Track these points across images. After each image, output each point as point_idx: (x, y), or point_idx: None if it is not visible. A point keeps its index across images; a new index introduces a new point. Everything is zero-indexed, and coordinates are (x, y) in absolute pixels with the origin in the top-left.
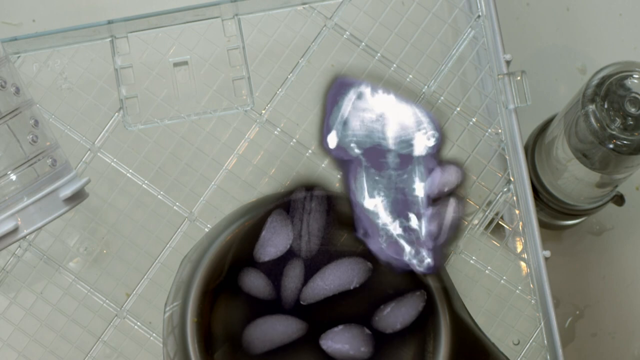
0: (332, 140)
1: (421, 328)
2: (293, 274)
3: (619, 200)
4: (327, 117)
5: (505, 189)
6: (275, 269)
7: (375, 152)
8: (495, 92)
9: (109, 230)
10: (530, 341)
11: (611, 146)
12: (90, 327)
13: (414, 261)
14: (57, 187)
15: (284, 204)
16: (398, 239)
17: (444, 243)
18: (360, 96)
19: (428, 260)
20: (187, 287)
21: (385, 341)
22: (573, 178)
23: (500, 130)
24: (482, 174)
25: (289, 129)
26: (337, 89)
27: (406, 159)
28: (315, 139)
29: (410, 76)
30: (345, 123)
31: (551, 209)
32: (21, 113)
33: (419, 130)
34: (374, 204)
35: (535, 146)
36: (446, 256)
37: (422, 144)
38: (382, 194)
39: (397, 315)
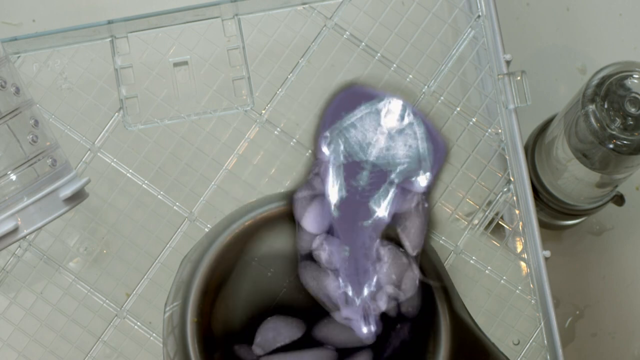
0: (326, 141)
1: (425, 313)
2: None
3: (619, 200)
4: (330, 120)
5: (505, 189)
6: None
7: (358, 165)
8: (495, 92)
9: (109, 230)
10: (530, 341)
11: (611, 146)
12: (90, 327)
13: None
14: (57, 187)
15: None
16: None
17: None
18: (379, 110)
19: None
20: (187, 287)
21: (388, 324)
22: (573, 178)
23: (500, 130)
24: (482, 174)
25: (289, 129)
26: (351, 98)
27: (382, 179)
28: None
29: (410, 76)
30: (348, 129)
31: (551, 209)
32: (21, 113)
33: (419, 163)
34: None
35: (535, 146)
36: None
37: (414, 177)
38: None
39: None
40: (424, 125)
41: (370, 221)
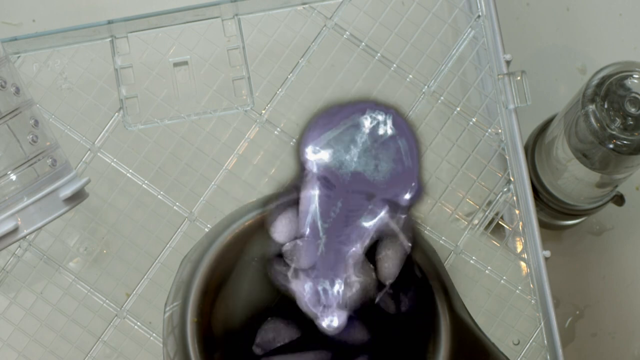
0: (312, 150)
1: (425, 313)
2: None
3: (619, 200)
4: (319, 131)
5: (505, 189)
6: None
7: (345, 177)
8: (495, 92)
9: (109, 230)
10: (530, 341)
11: (611, 146)
12: (90, 327)
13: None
14: (57, 187)
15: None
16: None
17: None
18: (366, 124)
19: (334, 319)
20: (187, 287)
21: (387, 323)
22: (573, 178)
23: (500, 130)
24: (482, 174)
25: (289, 129)
26: (330, 118)
27: (360, 194)
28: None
29: (410, 76)
30: (329, 143)
31: (551, 209)
32: (21, 113)
33: (402, 178)
34: (319, 225)
35: (535, 146)
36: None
37: (396, 190)
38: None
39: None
40: (404, 140)
41: (348, 234)
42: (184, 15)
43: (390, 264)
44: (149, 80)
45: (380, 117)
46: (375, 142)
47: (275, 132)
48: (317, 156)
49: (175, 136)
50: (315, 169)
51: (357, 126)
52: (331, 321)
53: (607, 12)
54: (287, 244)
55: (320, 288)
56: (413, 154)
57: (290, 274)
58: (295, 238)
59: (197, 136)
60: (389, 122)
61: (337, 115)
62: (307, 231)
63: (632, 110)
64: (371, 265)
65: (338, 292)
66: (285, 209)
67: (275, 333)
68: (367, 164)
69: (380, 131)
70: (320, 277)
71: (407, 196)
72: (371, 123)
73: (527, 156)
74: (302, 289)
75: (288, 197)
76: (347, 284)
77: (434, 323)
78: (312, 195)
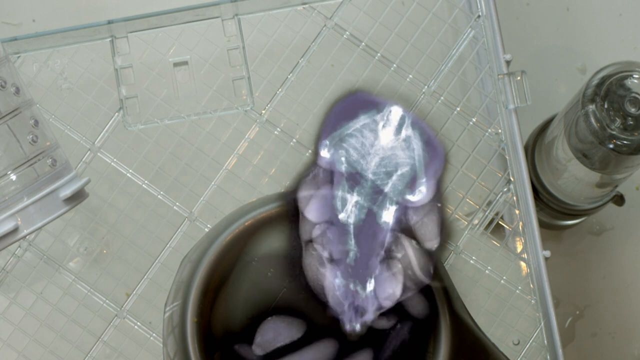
0: (326, 148)
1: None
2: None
3: (619, 200)
4: (331, 127)
5: (505, 189)
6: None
7: (357, 176)
8: (495, 92)
9: (109, 230)
10: (530, 341)
11: (611, 146)
12: (90, 327)
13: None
14: (57, 187)
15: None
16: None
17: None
18: (379, 119)
19: (356, 322)
20: (187, 287)
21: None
22: (573, 178)
23: (500, 130)
24: (482, 174)
25: (289, 129)
26: (354, 105)
27: (380, 190)
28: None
29: (410, 76)
30: (348, 136)
31: (551, 209)
32: (21, 113)
33: (412, 178)
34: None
35: (535, 146)
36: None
37: (404, 191)
38: (353, 212)
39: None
40: (423, 136)
41: (373, 230)
42: (184, 15)
43: (428, 228)
44: (149, 80)
45: (400, 115)
46: (395, 138)
47: (275, 132)
48: (336, 150)
49: (175, 136)
50: (334, 164)
51: (377, 122)
52: (356, 321)
53: (607, 12)
54: (319, 226)
55: (351, 285)
56: (434, 155)
57: (320, 263)
58: (328, 221)
59: (197, 136)
60: (408, 120)
61: (356, 108)
62: (342, 213)
63: (632, 110)
64: (413, 241)
65: (370, 293)
66: (315, 193)
67: (275, 333)
68: (386, 162)
69: (400, 128)
70: (352, 272)
71: (422, 194)
72: (390, 120)
73: (527, 156)
74: (334, 281)
75: (313, 187)
76: (381, 278)
77: (434, 323)
78: (342, 181)
